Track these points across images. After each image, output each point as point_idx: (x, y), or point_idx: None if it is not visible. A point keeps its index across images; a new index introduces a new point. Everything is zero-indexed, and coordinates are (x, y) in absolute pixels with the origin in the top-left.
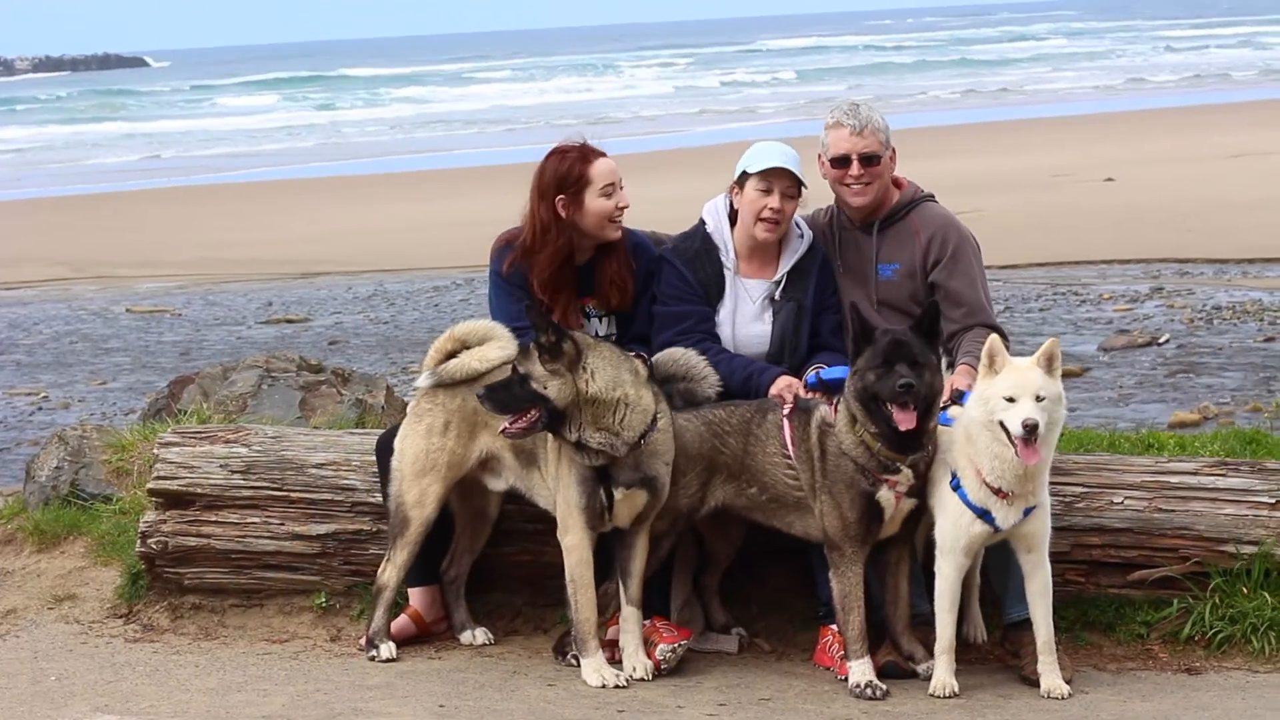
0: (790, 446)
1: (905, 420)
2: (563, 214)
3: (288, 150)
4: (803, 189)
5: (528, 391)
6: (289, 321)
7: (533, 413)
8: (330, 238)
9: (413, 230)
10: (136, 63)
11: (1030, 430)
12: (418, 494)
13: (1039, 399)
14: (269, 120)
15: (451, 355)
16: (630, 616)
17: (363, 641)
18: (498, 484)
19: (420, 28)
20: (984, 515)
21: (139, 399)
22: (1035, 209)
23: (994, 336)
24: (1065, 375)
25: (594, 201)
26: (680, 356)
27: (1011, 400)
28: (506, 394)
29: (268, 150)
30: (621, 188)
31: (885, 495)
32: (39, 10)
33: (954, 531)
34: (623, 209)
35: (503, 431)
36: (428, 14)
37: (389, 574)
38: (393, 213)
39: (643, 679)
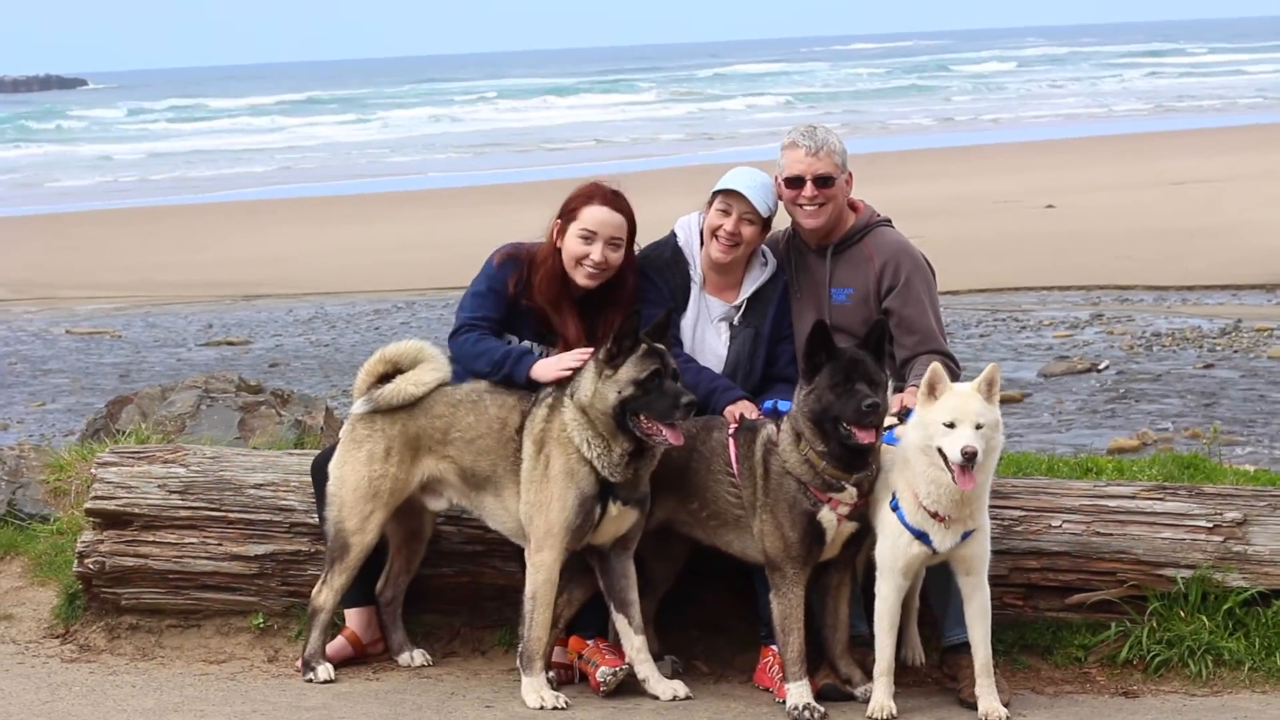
0: (734, 463)
1: (866, 437)
2: (556, 239)
3: (231, 173)
4: (767, 219)
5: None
6: (229, 344)
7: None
8: (272, 260)
9: (354, 253)
10: (77, 83)
11: (969, 458)
12: (359, 521)
13: (978, 426)
14: (213, 143)
15: (384, 378)
16: (641, 645)
17: (300, 663)
18: (439, 504)
19: (363, 51)
20: (921, 537)
21: (78, 420)
22: (977, 235)
23: (935, 364)
24: (1004, 401)
25: (570, 240)
26: None
27: (951, 426)
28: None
29: (210, 173)
30: (611, 246)
31: (827, 516)
32: None
33: (892, 552)
34: (596, 263)
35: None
36: (370, 38)
37: (325, 596)
38: (334, 236)
39: (688, 697)
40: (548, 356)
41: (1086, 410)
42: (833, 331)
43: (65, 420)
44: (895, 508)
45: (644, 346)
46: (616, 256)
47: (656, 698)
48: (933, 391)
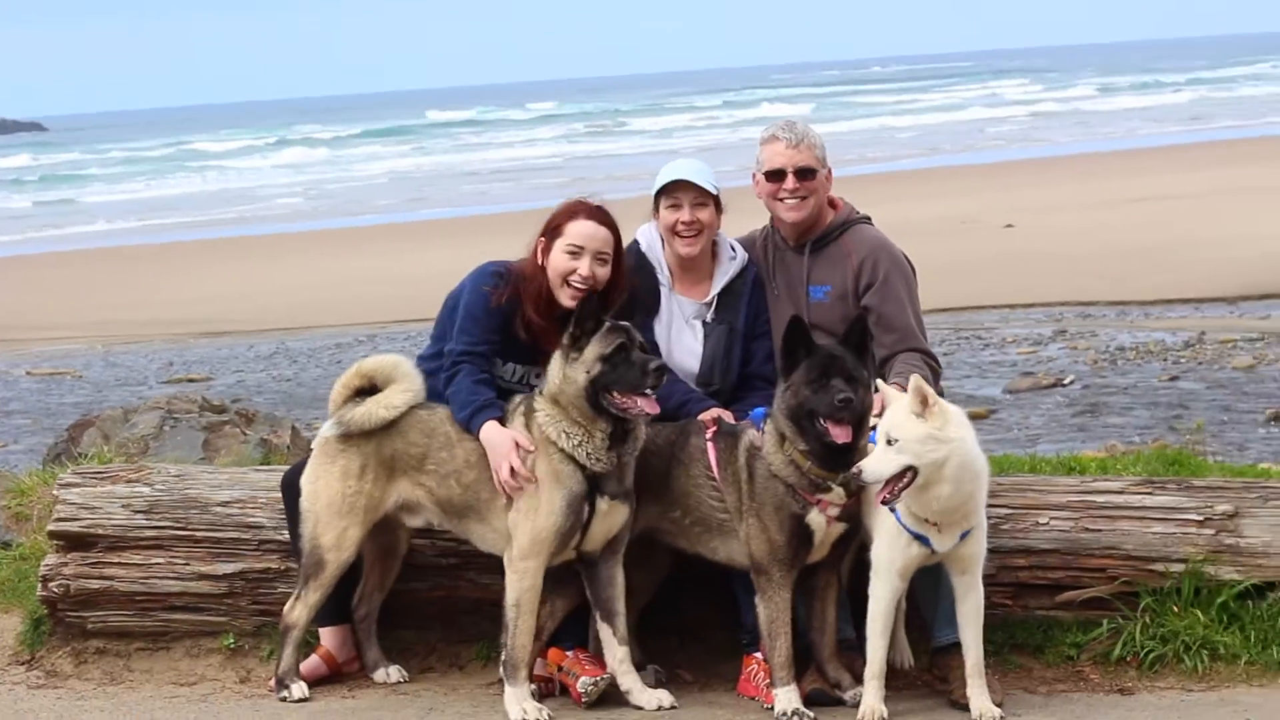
0: (715, 469)
1: (842, 434)
2: (539, 258)
3: (188, 214)
4: (717, 198)
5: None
6: (190, 380)
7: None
8: (231, 297)
9: (314, 289)
10: (33, 128)
11: (855, 478)
12: (335, 537)
13: (890, 441)
14: (175, 186)
15: (359, 391)
16: (625, 656)
17: (273, 682)
18: (416, 521)
19: (327, 89)
20: (920, 538)
21: (40, 461)
22: (937, 255)
23: (915, 377)
24: (972, 418)
25: (557, 255)
26: None
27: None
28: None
29: (168, 214)
30: (599, 261)
31: (815, 518)
32: None
33: (890, 553)
34: (584, 278)
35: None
36: (343, 75)
37: (299, 613)
38: (294, 271)
39: (673, 706)
40: (529, 381)
41: (1054, 425)
42: (811, 329)
43: (27, 460)
44: (892, 509)
45: (607, 324)
46: (604, 272)
47: (641, 708)
48: (925, 404)
